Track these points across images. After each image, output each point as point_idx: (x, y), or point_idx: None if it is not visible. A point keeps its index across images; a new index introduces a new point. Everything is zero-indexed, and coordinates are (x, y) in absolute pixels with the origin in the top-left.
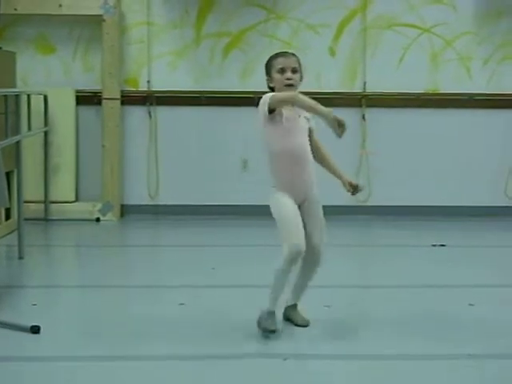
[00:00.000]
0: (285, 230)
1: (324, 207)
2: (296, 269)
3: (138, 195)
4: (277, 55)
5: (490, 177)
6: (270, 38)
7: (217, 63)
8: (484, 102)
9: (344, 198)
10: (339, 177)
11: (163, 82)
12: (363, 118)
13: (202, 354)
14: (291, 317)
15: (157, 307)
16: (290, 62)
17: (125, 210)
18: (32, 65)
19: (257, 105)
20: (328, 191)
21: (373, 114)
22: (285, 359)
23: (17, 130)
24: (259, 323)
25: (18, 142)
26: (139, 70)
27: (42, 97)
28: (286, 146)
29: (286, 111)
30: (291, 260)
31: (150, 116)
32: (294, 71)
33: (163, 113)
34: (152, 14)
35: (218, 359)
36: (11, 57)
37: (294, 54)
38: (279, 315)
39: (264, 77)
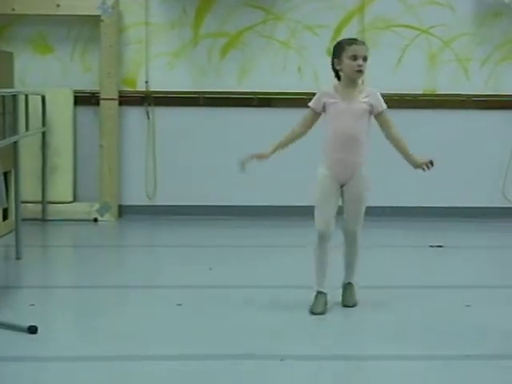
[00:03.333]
0: (316, 212)
1: None
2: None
3: (135, 196)
4: (350, 41)
5: (488, 178)
6: (267, 39)
7: (215, 63)
8: (482, 103)
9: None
10: (409, 160)
11: (161, 83)
12: None
13: (199, 354)
14: (342, 296)
15: (154, 308)
16: (363, 50)
17: (122, 211)
18: (30, 65)
19: (255, 105)
20: None
21: None
22: (282, 360)
23: (14, 131)
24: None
25: (15, 143)
26: (137, 70)
27: (39, 97)
28: (336, 128)
29: (334, 101)
30: (319, 239)
31: (148, 116)
32: (365, 59)
33: (161, 113)
34: (150, 14)
35: (216, 360)
36: (9, 57)
37: (364, 43)
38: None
39: (263, 76)
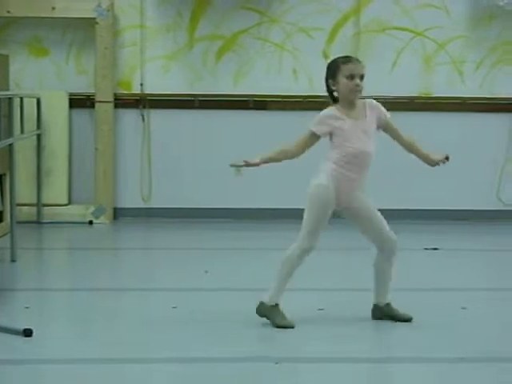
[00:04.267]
0: (313, 225)
1: None
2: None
3: (130, 198)
4: (346, 60)
5: (483, 180)
6: (263, 41)
7: (210, 66)
8: (477, 106)
9: None
10: (426, 159)
11: (156, 85)
12: None
13: (193, 357)
14: (391, 313)
15: (149, 310)
16: (359, 69)
17: (118, 213)
18: (25, 67)
19: (251, 108)
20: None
21: None
22: (276, 363)
23: (9, 133)
24: (271, 320)
25: (10, 145)
26: (132, 72)
27: (34, 100)
28: (349, 149)
29: (340, 124)
30: (303, 254)
31: (143, 119)
32: (362, 78)
33: (156, 116)
34: (145, 17)
35: (210, 362)
36: (4, 59)
37: (359, 61)
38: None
39: (258, 79)
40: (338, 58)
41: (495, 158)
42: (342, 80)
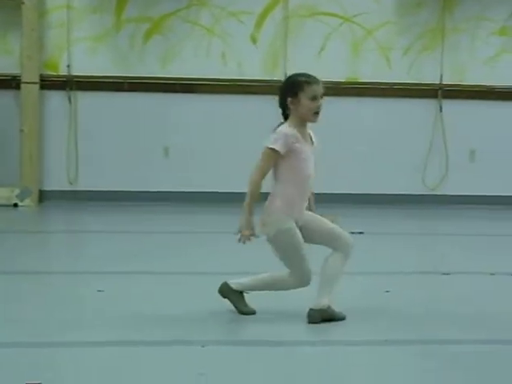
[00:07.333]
0: (300, 267)
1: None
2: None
3: (56, 181)
4: (309, 81)
5: (409, 165)
6: (191, 24)
7: (137, 49)
8: (403, 92)
9: None
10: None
11: (83, 67)
12: None
13: (121, 340)
14: (332, 316)
15: (75, 294)
16: (321, 89)
17: (43, 196)
18: None
19: (178, 91)
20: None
21: None
22: (203, 346)
23: None
24: (235, 305)
25: None
26: (59, 54)
27: None
28: (305, 173)
29: (301, 144)
30: (296, 287)
31: (70, 101)
32: (322, 97)
33: (83, 98)
34: None
35: (137, 346)
36: None
37: (319, 80)
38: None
39: (186, 62)
40: (299, 75)
41: (421, 143)
42: (305, 101)
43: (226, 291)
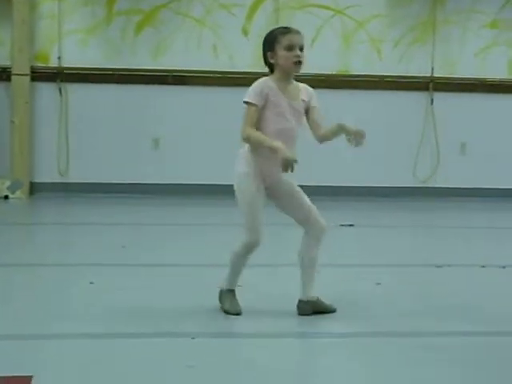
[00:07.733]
0: (248, 219)
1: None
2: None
3: (47, 173)
4: (284, 31)
5: (400, 158)
6: (183, 17)
7: (129, 41)
8: (394, 84)
9: None
10: (341, 131)
11: (74, 59)
12: None
13: (111, 332)
14: (321, 307)
15: (66, 285)
16: (299, 39)
17: (34, 188)
18: None
19: (170, 83)
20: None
21: None
22: (193, 338)
23: None
24: (221, 305)
25: None
26: (50, 46)
27: None
28: (276, 127)
29: (277, 98)
30: (247, 249)
31: (61, 93)
32: (301, 49)
33: (74, 90)
34: None
35: (128, 338)
36: None
37: (299, 31)
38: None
39: (177, 54)
40: (276, 28)
41: (412, 136)
42: (281, 52)
43: (219, 296)
